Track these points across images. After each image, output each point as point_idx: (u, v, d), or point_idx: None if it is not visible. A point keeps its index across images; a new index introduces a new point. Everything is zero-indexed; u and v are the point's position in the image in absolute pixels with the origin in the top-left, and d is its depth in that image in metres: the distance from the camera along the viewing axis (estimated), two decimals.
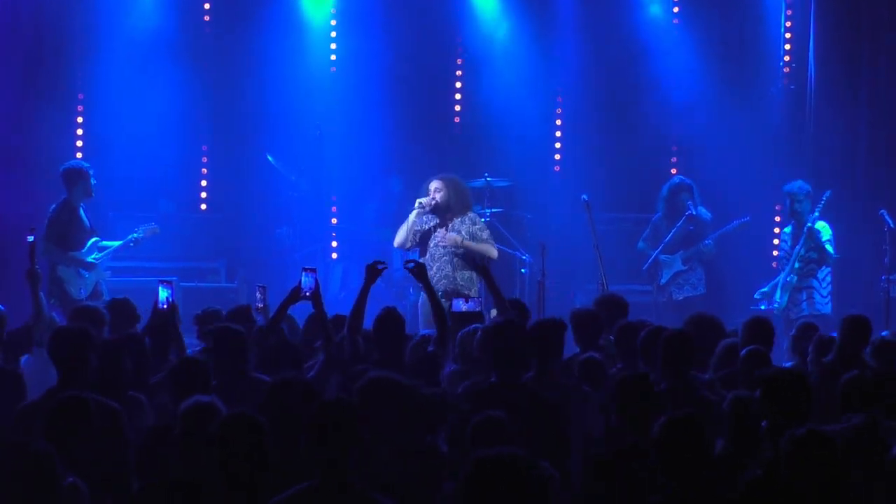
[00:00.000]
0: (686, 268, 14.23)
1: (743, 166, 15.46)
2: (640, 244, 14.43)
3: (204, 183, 15.85)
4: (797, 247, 13.44)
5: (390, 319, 8.41)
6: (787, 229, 13.75)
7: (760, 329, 8.79)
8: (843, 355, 8.65)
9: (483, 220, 13.15)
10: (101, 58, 15.20)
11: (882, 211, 13.36)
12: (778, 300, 13.53)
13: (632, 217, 15.45)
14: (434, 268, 11.81)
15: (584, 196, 13.04)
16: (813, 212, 13.39)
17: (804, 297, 13.48)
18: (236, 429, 5.55)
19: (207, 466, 5.62)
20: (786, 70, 16.01)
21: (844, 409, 7.07)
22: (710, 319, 9.12)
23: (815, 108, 15.79)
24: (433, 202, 12.03)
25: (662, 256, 14.22)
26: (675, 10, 16.10)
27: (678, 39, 16.01)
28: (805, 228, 13.38)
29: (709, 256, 14.24)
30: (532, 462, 4.73)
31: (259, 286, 9.94)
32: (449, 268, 11.91)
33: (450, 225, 12.03)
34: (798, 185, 13.57)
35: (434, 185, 12.12)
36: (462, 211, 12.12)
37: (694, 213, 14.16)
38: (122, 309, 9.37)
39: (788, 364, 9.30)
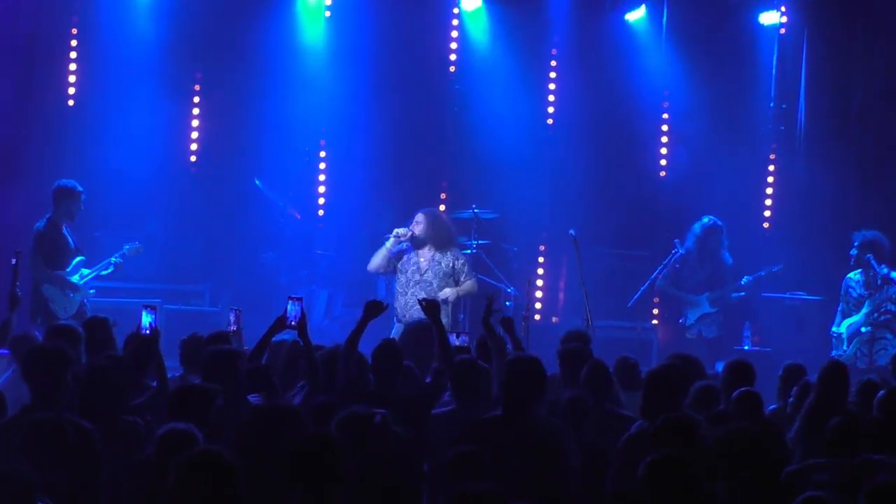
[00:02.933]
0: (715, 310, 14.30)
1: (733, 205, 15.47)
2: (659, 282, 14.43)
3: (191, 205, 15.78)
4: (876, 296, 13.29)
5: (389, 351, 8.42)
6: (856, 276, 13.46)
7: (742, 371, 8.78)
8: (824, 401, 8.63)
9: (465, 252, 13.47)
10: (90, 76, 15.18)
11: (868, 255, 13.32)
12: (846, 348, 13.37)
13: (619, 252, 15.45)
14: (409, 294, 12.48)
15: (572, 231, 13.01)
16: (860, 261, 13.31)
17: (877, 349, 13.22)
18: (205, 469, 5.44)
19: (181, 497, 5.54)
20: (776, 110, 16.04)
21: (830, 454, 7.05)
22: (694, 360, 9.14)
23: (805, 148, 15.82)
24: (410, 233, 12.64)
25: (691, 296, 14.27)
26: (666, 37, 16.12)
27: (669, 78, 16.03)
28: (880, 278, 13.28)
29: (736, 302, 14.36)
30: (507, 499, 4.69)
31: (233, 309, 9.85)
32: (423, 295, 12.14)
33: (430, 257, 12.62)
34: (872, 234, 13.44)
35: (418, 217, 12.74)
36: (442, 245, 12.68)
37: (681, 252, 14.25)
38: (98, 329, 9.29)
39: (772, 406, 9.25)
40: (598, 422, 8.13)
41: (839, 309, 13.55)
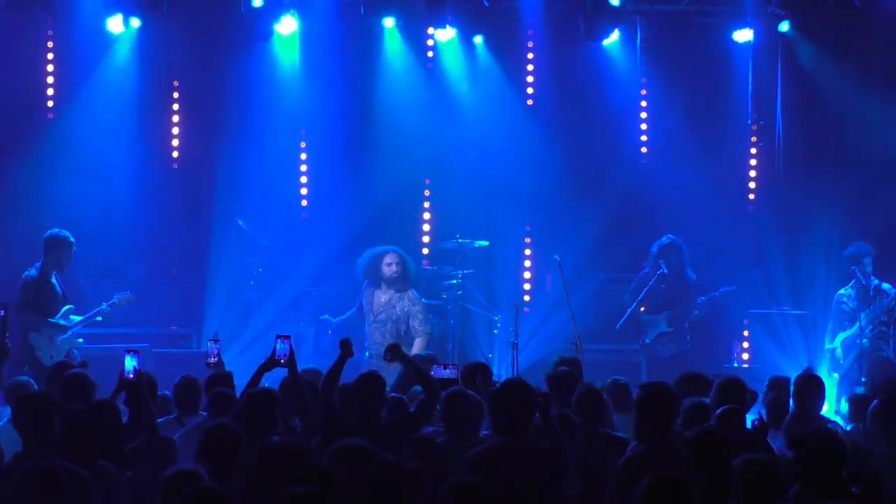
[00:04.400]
0: (671, 329, 14.26)
1: (713, 224, 15.51)
2: (626, 296, 14.43)
3: (175, 248, 15.77)
4: (871, 308, 13.27)
5: (371, 383, 8.43)
6: (848, 291, 13.52)
7: (732, 389, 8.74)
8: (800, 416, 8.64)
9: (452, 282, 13.66)
10: (70, 121, 15.19)
11: (854, 267, 13.36)
12: (842, 362, 13.33)
13: (604, 276, 15.46)
14: (378, 333, 13.08)
15: (557, 256, 13.04)
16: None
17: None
18: (206, 500, 5.50)
19: None
20: (754, 128, 16.10)
21: None
22: (705, 380, 9.10)
23: (785, 164, 15.87)
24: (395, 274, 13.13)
25: (645, 317, 14.25)
26: (644, 69, 16.17)
27: (647, 97, 16.09)
28: (872, 289, 13.27)
29: (696, 320, 14.29)
30: None
31: (210, 339, 9.85)
32: (377, 336, 13.03)
33: (388, 298, 13.17)
34: (864, 247, 13.43)
35: (393, 258, 13.20)
36: (406, 287, 13.25)
37: (665, 272, 14.22)
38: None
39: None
40: (592, 445, 8.13)
41: (829, 327, 13.56)
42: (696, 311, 14.38)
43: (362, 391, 8.45)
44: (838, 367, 13.27)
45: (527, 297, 16.08)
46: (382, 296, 13.23)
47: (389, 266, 13.17)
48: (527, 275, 16.18)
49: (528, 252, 16.19)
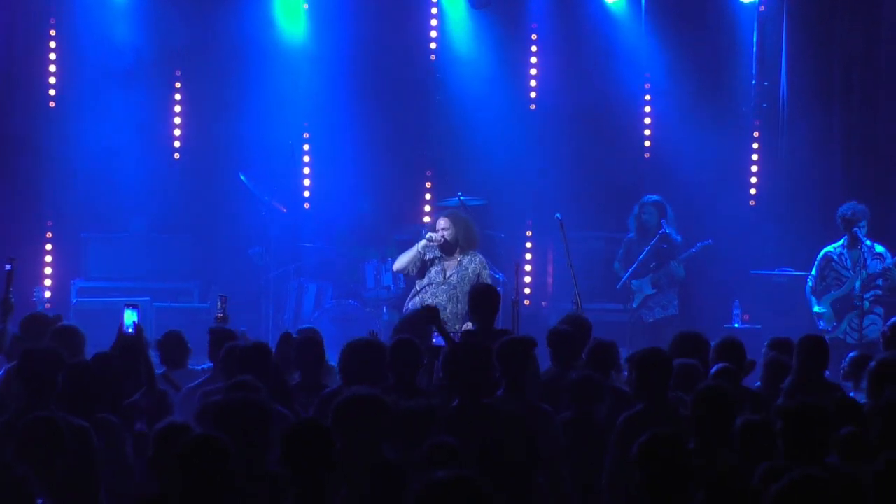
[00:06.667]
0: (655, 291, 14.16)
1: (717, 185, 15.50)
2: (616, 264, 14.36)
3: (176, 203, 15.76)
4: (870, 272, 13.12)
5: (370, 348, 8.34)
6: (839, 250, 13.31)
7: (732, 350, 8.73)
8: (803, 378, 8.62)
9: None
10: (72, 76, 15.17)
11: (855, 229, 13.30)
12: (835, 323, 13.26)
13: (605, 236, 15.45)
14: (429, 292, 12.21)
15: (558, 215, 13.01)
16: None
17: (867, 323, 13.09)
18: (199, 451, 5.54)
19: (177, 488, 5.61)
20: (759, 87, 16.06)
21: None
22: (704, 341, 9.05)
23: (789, 124, 15.84)
24: (442, 240, 12.32)
25: (634, 281, 14.15)
26: (645, 17, 16.10)
27: (650, 59, 16.05)
28: (866, 252, 13.11)
29: (678, 279, 14.16)
30: (483, 485, 4.77)
31: (220, 295, 9.91)
32: (444, 298, 12.18)
33: (458, 261, 12.33)
34: (859, 208, 13.30)
35: (443, 222, 12.41)
36: (469, 246, 12.42)
37: (667, 231, 14.12)
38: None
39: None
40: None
41: (810, 284, 13.44)
42: (682, 272, 14.16)
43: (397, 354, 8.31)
44: (830, 329, 13.16)
45: (528, 256, 16.12)
46: (450, 259, 12.37)
47: (443, 231, 12.32)
48: (528, 233, 16.21)
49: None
